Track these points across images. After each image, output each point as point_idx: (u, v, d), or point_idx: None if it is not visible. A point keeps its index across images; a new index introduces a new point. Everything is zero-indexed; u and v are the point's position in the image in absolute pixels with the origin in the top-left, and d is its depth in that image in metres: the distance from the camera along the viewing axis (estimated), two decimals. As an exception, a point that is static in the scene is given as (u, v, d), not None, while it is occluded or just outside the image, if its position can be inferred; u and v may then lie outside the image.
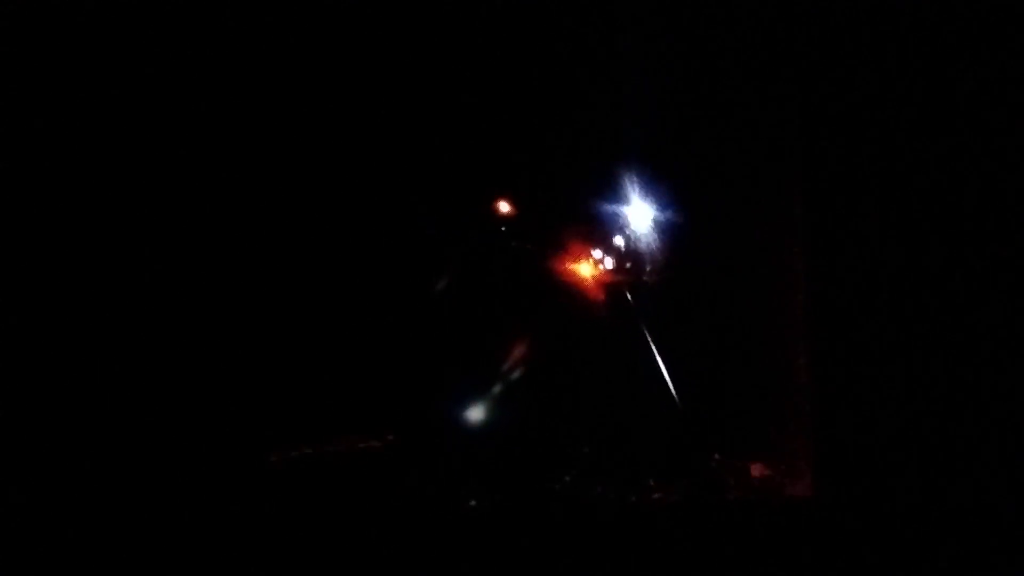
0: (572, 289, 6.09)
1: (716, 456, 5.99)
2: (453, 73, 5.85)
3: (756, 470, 5.88)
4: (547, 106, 5.86)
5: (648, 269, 5.97)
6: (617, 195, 5.90)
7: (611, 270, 6.07)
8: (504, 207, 6.11)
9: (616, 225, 5.99)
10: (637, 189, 5.85)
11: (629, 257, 6.00)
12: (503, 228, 6.10)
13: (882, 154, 5.13)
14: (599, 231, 6.03)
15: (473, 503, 5.66)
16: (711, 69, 5.57)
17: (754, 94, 5.54)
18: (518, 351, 6.09)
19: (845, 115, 5.23)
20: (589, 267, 6.08)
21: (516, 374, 6.10)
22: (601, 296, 6.06)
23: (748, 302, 5.85)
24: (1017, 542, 4.62)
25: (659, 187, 5.85)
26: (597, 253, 6.07)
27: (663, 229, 5.91)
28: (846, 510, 5.21)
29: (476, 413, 6.10)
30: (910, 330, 5.09)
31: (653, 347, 5.97)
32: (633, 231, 5.95)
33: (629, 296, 6.02)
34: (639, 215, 5.92)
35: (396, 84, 5.82)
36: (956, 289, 4.96)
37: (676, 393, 5.97)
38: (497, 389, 6.10)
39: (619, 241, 6.01)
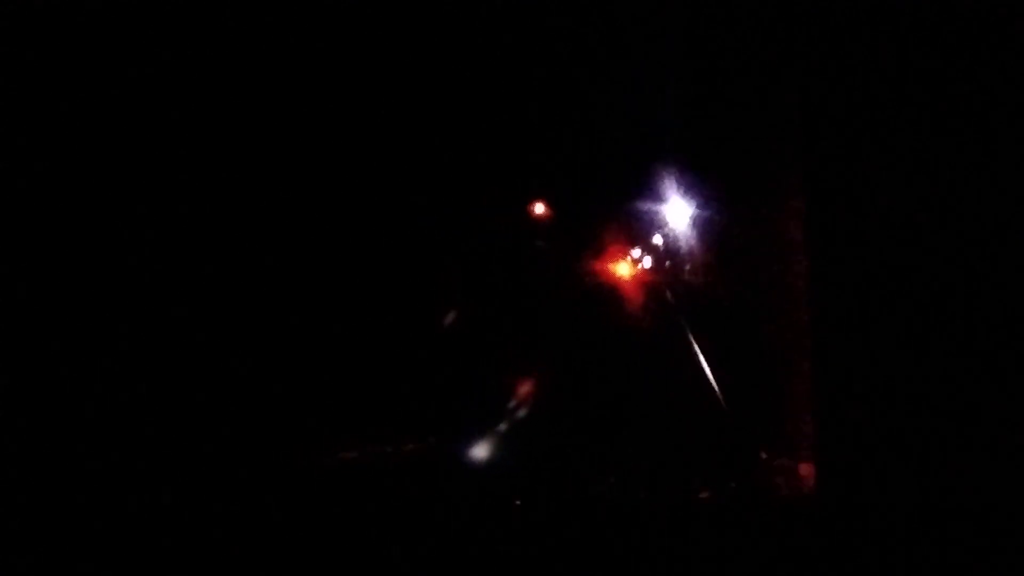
0: (612, 289, 6.06)
1: (763, 455, 5.85)
2: (484, 71, 5.93)
3: (804, 469, 5.74)
4: (581, 104, 5.94)
5: (688, 267, 5.95)
6: (655, 192, 5.93)
7: (650, 269, 6.05)
8: (541, 207, 6.12)
9: (655, 223, 6.00)
10: (675, 185, 5.89)
11: (668, 255, 5.99)
12: (541, 228, 6.10)
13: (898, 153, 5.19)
14: (637, 229, 6.03)
15: (516, 504, 5.49)
16: (736, 61, 5.69)
17: (767, 89, 5.64)
18: (559, 352, 6.01)
19: (849, 113, 5.31)
20: (628, 266, 6.06)
21: (557, 375, 6.00)
22: (641, 295, 6.03)
23: (787, 297, 5.82)
24: (1019, 542, 4.55)
25: (697, 183, 5.89)
26: (636, 252, 6.07)
27: (702, 226, 5.92)
28: (868, 509, 5.13)
29: (517, 414, 5.96)
30: (934, 329, 5.09)
31: (695, 345, 5.91)
32: (672, 229, 5.96)
33: (669, 295, 5.98)
34: (677, 212, 5.95)
35: (425, 80, 5.87)
36: (963, 287, 4.98)
37: (720, 391, 5.88)
38: (538, 390, 5.98)
39: (658, 239, 6.01)
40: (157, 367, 5.38)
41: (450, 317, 5.98)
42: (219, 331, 5.54)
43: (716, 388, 5.90)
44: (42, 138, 5.26)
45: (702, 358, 5.94)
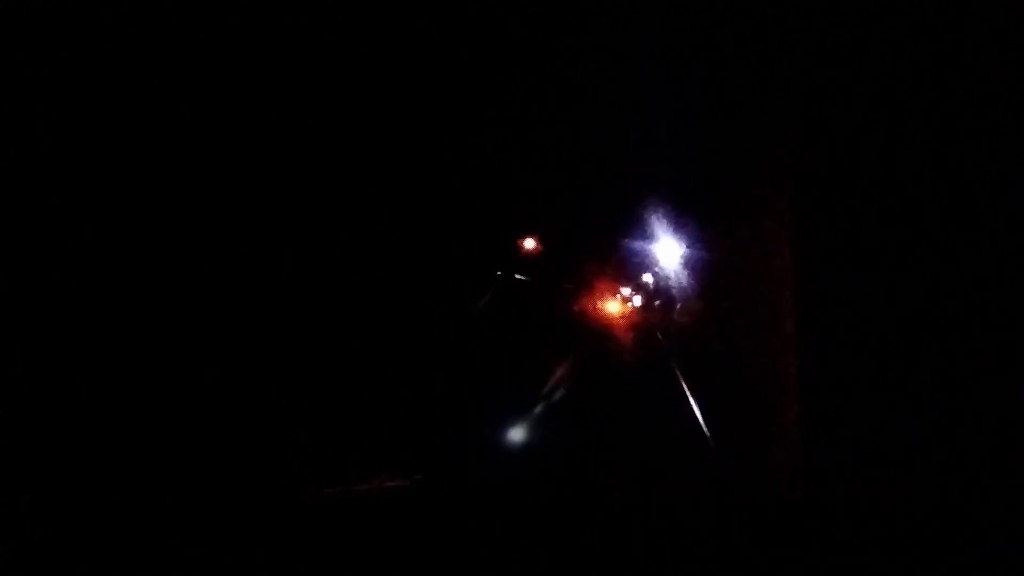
0: (601, 327, 6.03)
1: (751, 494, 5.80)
2: (474, 104, 5.91)
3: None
4: (573, 138, 5.94)
5: (678, 308, 5.94)
6: (646, 232, 5.94)
7: (640, 308, 6.03)
8: (530, 244, 6.11)
9: (645, 263, 6.00)
10: (665, 225, 5.90)
11: (658, 295, 5.97)
12: (531, 266, 6.08)
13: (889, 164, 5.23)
14: (628, 268, 6.03)
15: (502, 540, 5.41)
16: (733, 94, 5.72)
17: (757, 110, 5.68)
18: (547, 389, 5.96)
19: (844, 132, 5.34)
20: (618, 305, 6.04)
21: (545, 411, 5.94)
22: (630, 335, 6.00)
23: (776, 335, 5.82)
24: (1014, 543, 4.58)
25: (687, 224, 5.91)
26: (626, 291, 6.05)
27: (692, 266, 5.93)
28: (845, 514, 5.15)
29: (504, 451, 5.90)
30: (912, 339, 5.12)
31: (685, 386, 5.88)
32: (662, 268, 5.96)
33: (659, 335, 5.96)
34: (668, 252, 5.95)
35: (421, 113, 5.84)
36: (954, 292, 5.01)
37: (709, 432, 5.85)
38: (526, 426, 5.92)
39: (648, 278, 6.00)
40: (130, 387, 5.27)
41: (436, 354, 5.92)
42: (205, 364, 5.45)
43: (704, 428, 5.86)
44: (42, 138, 5.19)
45: (692, 399, 5.90)
